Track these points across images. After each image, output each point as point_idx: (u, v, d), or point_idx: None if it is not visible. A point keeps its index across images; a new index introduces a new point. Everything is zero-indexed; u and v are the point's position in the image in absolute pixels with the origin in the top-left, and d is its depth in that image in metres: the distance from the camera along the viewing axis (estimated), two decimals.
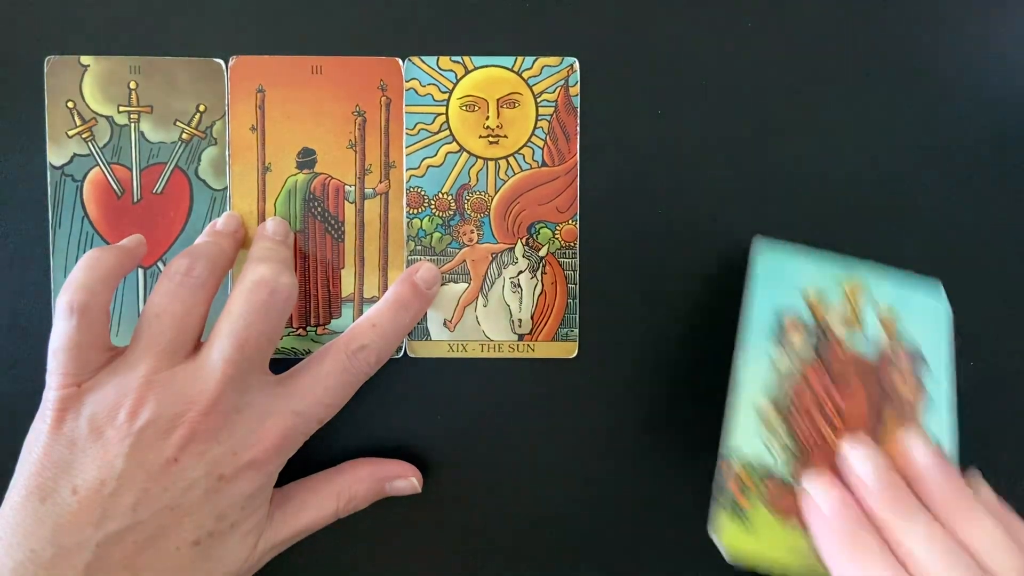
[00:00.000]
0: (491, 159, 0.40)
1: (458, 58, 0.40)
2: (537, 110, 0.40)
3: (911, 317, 0.36)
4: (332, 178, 0.40)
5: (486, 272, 0.41)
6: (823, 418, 0.35)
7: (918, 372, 0.36)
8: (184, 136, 0.40)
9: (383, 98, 0.40)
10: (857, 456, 0.33)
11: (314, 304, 0.40)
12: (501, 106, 0.40)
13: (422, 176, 0.40)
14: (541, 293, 0.41)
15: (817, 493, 0.33)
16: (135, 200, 0.40)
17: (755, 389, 0.35)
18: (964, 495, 0.32)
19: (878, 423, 0.35)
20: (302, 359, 0.37)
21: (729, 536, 0.34)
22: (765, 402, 0.35)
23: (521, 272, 0.41)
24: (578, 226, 0.40)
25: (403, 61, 0.40)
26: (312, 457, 0.38)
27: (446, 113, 0.40)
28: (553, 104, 0.40)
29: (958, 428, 0.36)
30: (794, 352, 0.36)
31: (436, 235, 0.40)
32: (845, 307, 0.36)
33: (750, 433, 0.35)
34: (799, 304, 0.36)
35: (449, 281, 0.41)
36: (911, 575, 0.30)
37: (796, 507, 0.34)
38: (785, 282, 0.36)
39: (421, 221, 0.40)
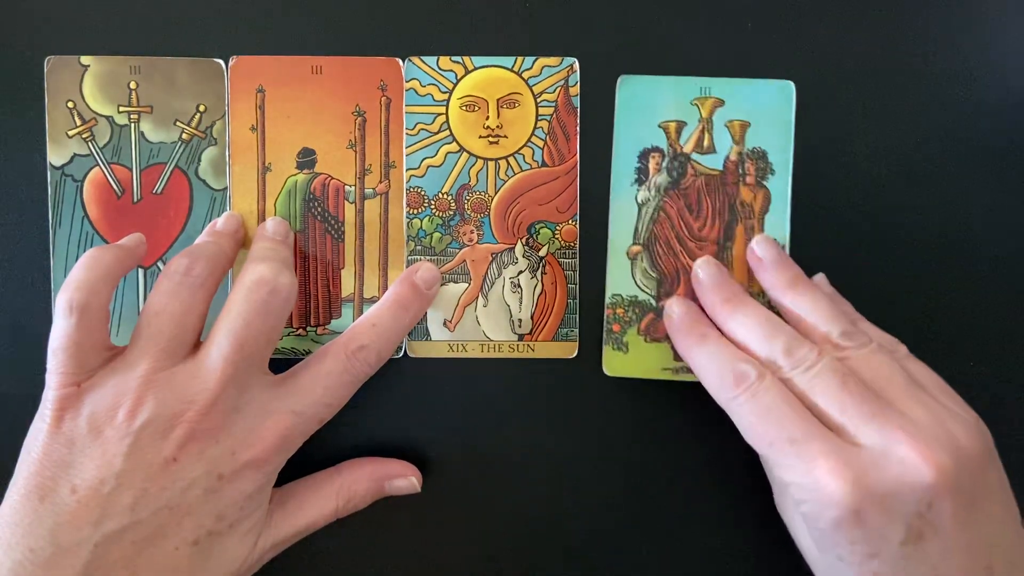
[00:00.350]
0: (491, 159, 0.40)
1: (458, 58, 0.40)
2: (537, 110, 0.40)
3: (760, 120, 0.40)
4: (332, 178, 0.40)
5: (486, 272, 0.41)
6: (680, 245, 0.40)
7: (763, 178, 0.39)
8: (184, 136, 0.40)
9: (383, 98, 0.40)
10: (698, 266, 0.39)
11: (314, 304, 0.40)
12: (501, 106, 0.40)
13: (422, 176, 0.40)
14: (541, 293, 0.41)
15: (670, 307, 0.39)
16: (135, 200, 0.40)
17: (624, 235, 0.40)
18: (796, 277, 0.38)
19: (727, 240, 0.40)
20: (302, 359, 0.37)
21: (611, 364, 0.40)
22: (633, 245, 0.40)
23: (521, 272, 0.41)
24: (578, 226, 0.40)
25: (403, 61, 0.40)
26: (312, 457, 0.38)
27: (446, 113, 0.40)
28: (553, 104, 0.40)
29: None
30: (653, 187, 0.39)
31: (436, 235, 0.40)
32: (699, 127, 0.39)
33: (624, 277, 0.40)
34: (657, 135, 0.40)
35: (449, 281, 0.41)
36: (743, 351, 0.36)
37: (663, 331, 0.40)
38: (644, 116, 0.40)
39: (421, 221, 0.40)
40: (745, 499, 0.41)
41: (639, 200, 0.40)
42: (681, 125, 0.40)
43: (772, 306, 0.38)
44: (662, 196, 0.40)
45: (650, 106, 0.40)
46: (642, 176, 0.40)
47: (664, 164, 0.39)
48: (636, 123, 0.40)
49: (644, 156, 0.40)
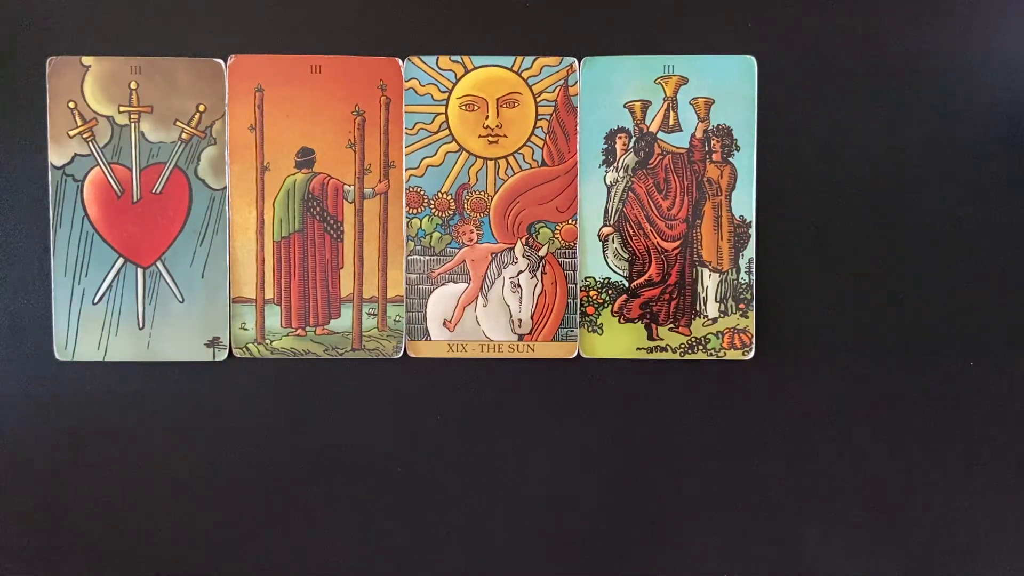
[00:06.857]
0: (491, 159, 0.40)
1: (458, 58, 0.40)
2: (537, 110, 0.40)
3: (723, 97, 0.40)
4: (331, 178, 0.40)
5: (486, 272, 0.40)
6: (649, 225, 0.40)
7: (729, 155, 0.40)
8: (184, 136, 0.40)
9: (383, 98, 0.40)
10: None
11: (313, 304, 0.40)
12: (501, 106, 0.40)
13: (421, 176, 0.40)
14: (541, 293, 0.40)
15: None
16: (135, 200, 0.40)
17: (594, 217, 0.40)
18: None
19: (696, 218, 0.40)
20: (302, 358, 0.37)
21: (587, 346, 0.40)
22: (604, 227, 0.40)
23: (521, 272, 0.40)
24: (578, 226, 0.40)
25: (403, 61, 0.40)
26: (312, 456, 0.38)
27: (445, 113, 0.40)
28: (553, 104, 0.40)
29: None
30: (621, 167, 0.39)
31: (436, 235, 0.40)
32: (664, 105, 0.40)
33: (596, 260, 0.40)
34: (623, 116, 0.40)
35: (449, 281, 0.40)
36: None
37: (636, 311, 0.40)
38: (609, 96, 0.40)
39: (421, 221, 0.40)
40: (752, 503, 0.41)
41: (608, 181, 0.40)
42: (646, 104, 0.40)
43: (747, 282, 0.39)
44: (631, 176, 0.40)
45: (614, 86, 0.40)
46: (609, 157, 0.40)
47: (631, 144, 0.40)
48: (601, 104, 0.40)
49: (611, 137, 0.40)
